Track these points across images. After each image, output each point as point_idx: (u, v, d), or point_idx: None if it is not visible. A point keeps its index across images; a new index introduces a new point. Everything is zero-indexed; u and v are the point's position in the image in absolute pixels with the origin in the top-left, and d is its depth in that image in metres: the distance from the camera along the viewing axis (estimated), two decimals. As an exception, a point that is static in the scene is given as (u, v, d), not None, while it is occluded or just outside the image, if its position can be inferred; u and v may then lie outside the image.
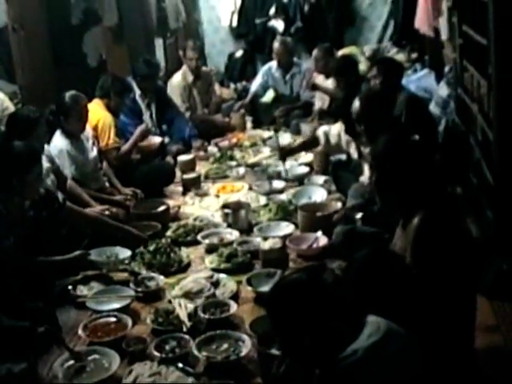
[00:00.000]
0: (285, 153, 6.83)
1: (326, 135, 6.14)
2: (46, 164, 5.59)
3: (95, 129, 6.62)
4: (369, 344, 2.65)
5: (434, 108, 7.44)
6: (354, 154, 5.77)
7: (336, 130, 6.04)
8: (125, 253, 5.34)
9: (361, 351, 2.63)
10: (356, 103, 5.25)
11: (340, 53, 10.15)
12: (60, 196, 5.27)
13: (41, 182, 4.90)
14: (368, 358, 2.63)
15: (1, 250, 4.39)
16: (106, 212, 5.75)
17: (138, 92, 7.70)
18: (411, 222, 3.52)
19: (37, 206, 4.94)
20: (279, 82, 9.43)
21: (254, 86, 9.67)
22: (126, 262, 5.25)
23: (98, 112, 6.72)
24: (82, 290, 4.90)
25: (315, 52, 8.78)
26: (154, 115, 7.82)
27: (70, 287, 4.91)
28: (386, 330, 2.73)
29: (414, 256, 3.46)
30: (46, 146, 5.76)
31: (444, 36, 7.80)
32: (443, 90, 7.58)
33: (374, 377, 2.62)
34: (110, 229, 5.53)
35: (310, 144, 6.67)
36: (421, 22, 8.73)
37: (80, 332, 4.29)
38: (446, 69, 7.90)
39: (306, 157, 7.37)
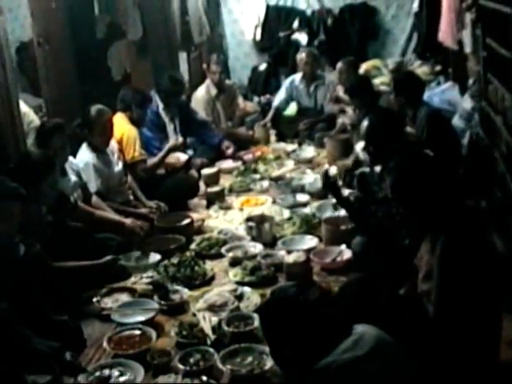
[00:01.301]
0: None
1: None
2: (73, 178, 5.65)
3: (120, 142, 6.65)
4: (346, 358, 2.74)
5: (457, 121, 7.41)
6: (377, 168, 5.74)
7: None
8: (154, 257, 5.44)
9: (335, 365, 2.73)
10: (364, 123, 5.24)
11: (364, 66, 10.17)
12: (72, 197, 5.33)
13: (56, 189, 4.94)
14: (342, 371, 2.73)
15: (30, 260, 4.41)
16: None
17: (161, 106, 7.71)
18: (436, 242, 3.52)
19: (53, 210, 5.00)
20: (303, 95, 9.42)
21: (277, 100, 9.66)
22: (156, 266, 5.35)
23: (122, 125, 6.75)
24: (107, 303, 4.93)
25: (339, 65, 8.80)
26: (177, 128, 7.83)
27: (94, 300, 4.93)
28: (372, 344, 2.81)
29: (441, 280, 3.48)
30: (72, 160, 5.81)
31: (468, 49, 7.77)
32: (467, 103, 7.55)
33: None
34: (111, 225, 5.69)
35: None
36: (444, 34, 8.71)
37: (105, 344, 4.31)
38: (470, 81, 7.87)
39: (330, 170, 7.34)
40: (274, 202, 6.79)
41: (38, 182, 4.71)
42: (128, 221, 5.81)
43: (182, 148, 7.44)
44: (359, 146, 6.15)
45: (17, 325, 3.91)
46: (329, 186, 5.33)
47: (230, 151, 8.34)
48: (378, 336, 2.89)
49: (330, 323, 2.85)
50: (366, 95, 7.33)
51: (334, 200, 5.94)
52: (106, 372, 4.01)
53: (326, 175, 5.30)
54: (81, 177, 5.87)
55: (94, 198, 5.96)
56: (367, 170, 6.37)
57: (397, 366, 2.86)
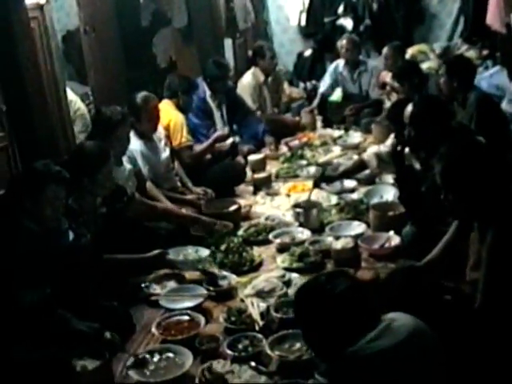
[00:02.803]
0: (322, 181, 6.56)
1: (378, 156, 6.05)
2: (127, 166, 5.67)
3: (167, 128, 6.66)
4: (373, 348, 2.77)
5: (506, 106, 7.32)
6: (416, 165, 5.59)
7: (390, 145, 5.92)
8: (203, 252, 5.40)
9: (361, 354, 2.77)
10: (409, 107, 5.17)
11: (410, 51, 10.06)
12: (128, 189, 5.33)
13: (111, 180, 4.96)
14: (368, 361, 2.75)
15: (79, 247, 4.44)
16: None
17: (208, 92, 7.70)
18: (486, 231, 3.46)
19: (108, 202, 5.02)
20: (348, 81, 9.39)
21: (323, 86, 9.63)
22: (204, 261, 5.29)
23: (169, 112, 6.76)
24: (156, 289, 4.95)
25: (385, 50, 8.75)
26: (224, 115, 7.83)
27: (143, 285, 4.96)
28: (403, 335, 2.82)
29: (490, 270, 3.44)
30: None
31: (516, 32, 7.67)
32: (516, 87, 7.46)
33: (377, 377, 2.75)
34: (178, 219, 5.69)
35: (356, 170, 6.57)
36: (492, 18, 8.59)
37: (153, 330, 4.33)
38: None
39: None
40: (320, 187, 6.74)
41: (94, 173, 4.73)
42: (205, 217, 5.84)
43: (226, 139, 7.43)
44: (387, 147, 6.08)
45: (58, 309, 3.94)
46: (396, 155, 5.30)
47: (271, 147, 8.30)
48: (411, 326, 2.89)
49: (357, 313, 2.86)
50: (415, 79, 7.26)
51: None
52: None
53: (395, 145, 5.24)
54: (135, 163, 5.90)
55: (149, 184, 6.00)
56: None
57: (430, 356, 2.86)
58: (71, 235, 4.45)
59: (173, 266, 5.25)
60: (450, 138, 4.35)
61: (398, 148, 5.27)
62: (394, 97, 8.26)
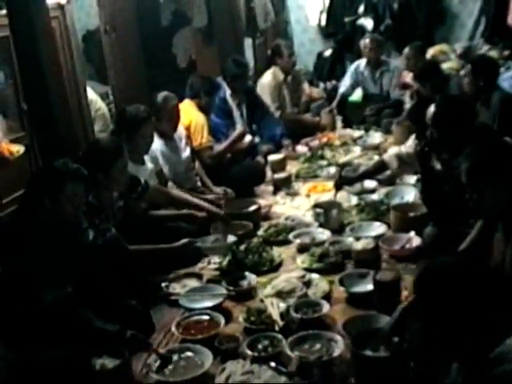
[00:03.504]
0: (342, 183, 6.42)
1: (399, 157, 6.01)
2: (149, 165, 5.70)
3: (188, 129, 6.67)
4: None
5: (527, 106, 7.26)
6: (437, 165, 5.55)
7: (411, 146, 5.87)
8: (230, 238, 5.49)
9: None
10: (431, 108, 5.13)
11: (431, 51, 10.02)
12: (142, 179, 5.33)
13: (126, 175, 4.97)
14: None
15: (107, 241, 4.47)
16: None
17: (228, 92, 7.71)
18: (511, 232, 3.44)
19: (125, 194, 5.04)
20: (369, 81, 9.36)
21: (343, 86, 9.61)
22: (231, 247, 5.36)
23: (190, 112, 6.77)
24: (175, 288, 4.95)
25: (406, 50, 8.72)
26: (244, 115, 7.83)
27: (163, 285, 4.96)
28: None
29: None
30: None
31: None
32: (538, 88, 7.40)
33: None
34: (192, 206, 5.70)
35: (376, 171, 6.51)
36: (514, 18, 8.56)
37: (173, 329, 4.33)
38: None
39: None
40: (341, 188, 6.72)
41: (108, 168, 4.75)
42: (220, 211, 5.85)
43: (244, 136, 7.42)
44: (409, 147, 6.04)
45: (79, 308, 3.95)
46: (421, 156, 5.26)
47: (289, 149, 8.26)
48: None
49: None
50: (436, 79, 7.24)
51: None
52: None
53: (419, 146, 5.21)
54: (156, 163, 5.91)
55: (170, 184, 6.03)
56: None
57: None
58: (91, 234, 4.46)
59: (199, 252, 5.35)
60: (474, 138, 4.31)
61: (425, 149, 5.21)
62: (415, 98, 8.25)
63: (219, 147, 7.00)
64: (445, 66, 9.66)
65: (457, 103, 5.12)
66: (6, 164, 5.46)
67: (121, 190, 5.01)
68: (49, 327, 3.79)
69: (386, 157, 6.19)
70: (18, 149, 5.56)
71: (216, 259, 5.38)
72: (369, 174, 6.52)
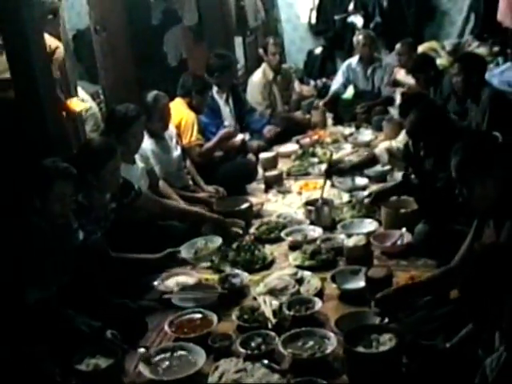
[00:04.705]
0: (333, 171, 6.53)
1: (389, 151, 6.01)
2: (140, 164, 5.69)
3: (178, 127, 6.67)
4: None
5: (517, 102, 7.29)
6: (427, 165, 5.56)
7: (401, 141, 5.88)
8: (215, 241, 5.44)
9: None
10: (411, 115, 5.12)
11: (420, 48, 10.03)
12: (136, 185, 5.30)
13: (118, 176, 4.95)
14: None
15: (89, 247, 4.46)
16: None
17: (215, 89, 7.69)
18: (502, 225, 3.44)
19: (116, 198, 5.03)
20: (360, 78, 9.35)
21: (335, 84, 9.58)
22: (217, 253, 5.33)
23: (180, 111, 6.77)
24: (168, 287, 4.95)
25: (398, 47, 8.74)
26: (232, 110, 7.83)
27: (156, 283, 4.97)
28: None
29: None
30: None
31: (528, 28, 7.65)
32: (528, 84, 7.43)
33: None
34: (185, 215, 5.65)
35: (367, 165, 6.55)
36: (503, 14, 8.58)
37: (166, 328, 4.34)
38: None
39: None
40: (332, 185, 6.73)
41: (98, 169, 4.74)
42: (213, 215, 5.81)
43: (234, 135, 7.41)
44: (399, 142, 6.06)
45: (61, 308, 3.97)
46: (408, 156, 5.25)
47: (269, 134, 8.23)
48: None
49: None
50: (430, 72, 7.27)
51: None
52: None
53: (406, 145, 5.20)
54: (147, 162, 5.90)
55: (161, 183, 6.01)
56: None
57: None
58: (81, 235, 4.46)
59: (185, 263, 5.28)
60: (455, 140, 4.32)
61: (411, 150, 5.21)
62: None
63: (208, 145, 6.98)
64: (435, 62, 9.69)
65: (426, 116, 5.12)
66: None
67: (112, 192, 5.00)
68: (31, 325, 3.80)
69: (377, 150, 6.22)
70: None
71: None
72: (359, 167, 6.54)
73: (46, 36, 6.03)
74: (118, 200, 5.08)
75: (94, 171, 4.72)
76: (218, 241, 5.44)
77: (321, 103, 9.43)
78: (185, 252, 5.29)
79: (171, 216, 5.64)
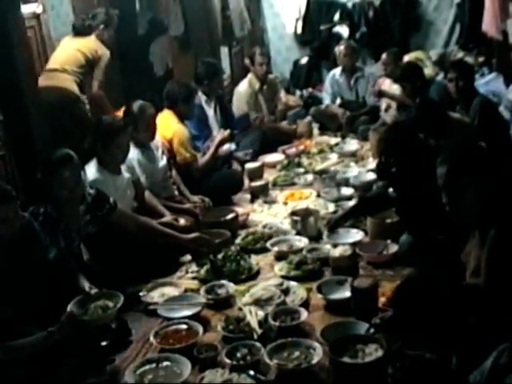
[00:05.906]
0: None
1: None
2: (126, 175, 5.66)
3: (170, 142, 6.68)
4: None
5: (503, 112, 7.33)
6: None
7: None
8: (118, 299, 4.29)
9: None
10: (382, 136, 5.20)
11: (406, 58, 10.08)
12: (111, 199, 5.19)
13: (77, 187, 4.71)
14: None
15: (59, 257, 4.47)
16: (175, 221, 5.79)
17: (203, 98, 7.70)
18: (487, 234, 3.46)
19: (90, 209, 4.97)
20: (344, 88, 9.38)
21: (327, 98, 9.58)
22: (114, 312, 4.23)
23: (171, 124, 6.76)
24: (153, 297, 4.94)
25: (384, 57, 8.76)
26: (219, 119, 7.84)
27: (141, 294, 4.96)
28: None
29: (489, 273, 3.43)
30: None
31: (512, 39, 7.70)
32: (512, 94, 7.48)
33: None
34: (159, 235, 5.45)
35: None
36: (488, 24, 8.62)
37: (151, 339, 4.32)
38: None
39: (374, 163, 7.29)
40: (318, 195, 6.75)
41: (50, 178, 4.61)
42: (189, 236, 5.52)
43: (230, 139, 7.42)
44: None
45: (22, 326, 3.89)
46: (385, 173, 5.25)
47: (244, 158, 8.03)
48: None
49: None
50: (417, 82, 7.28)
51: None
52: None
53: (378, 164, 5.22)
54: (133, 172, 5.87)
55: (147, 193, 5.98)
56: None
57: None
58: (53, 252, 4.42)
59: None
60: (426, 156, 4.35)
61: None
62: (392, 107, 8.26)
63: (204, 159, 6.98)
64: (420, 72, 9.73)
65: (397, 129, 5.15)
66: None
67: (76, 202, 4.82)
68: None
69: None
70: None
71: (194, 268, 5.40)
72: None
73: (97, 43, 6.17)
74: (91, 212, 5.00)
75: (47, 181, 4.61)
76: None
77: (306, 120, 9.43)
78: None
79: (145, 235, 5.39)
